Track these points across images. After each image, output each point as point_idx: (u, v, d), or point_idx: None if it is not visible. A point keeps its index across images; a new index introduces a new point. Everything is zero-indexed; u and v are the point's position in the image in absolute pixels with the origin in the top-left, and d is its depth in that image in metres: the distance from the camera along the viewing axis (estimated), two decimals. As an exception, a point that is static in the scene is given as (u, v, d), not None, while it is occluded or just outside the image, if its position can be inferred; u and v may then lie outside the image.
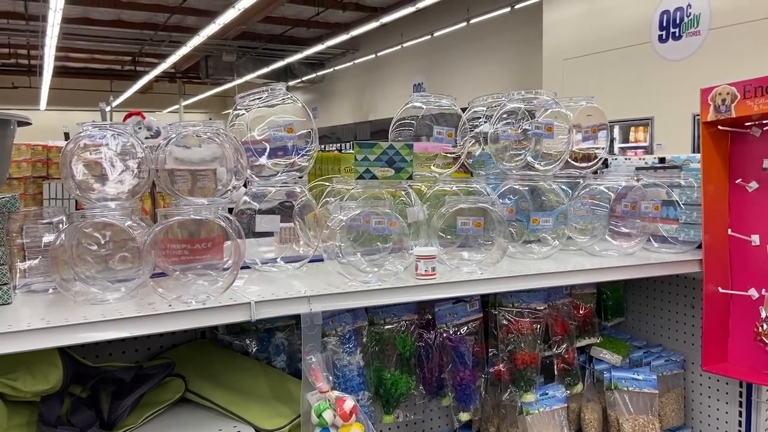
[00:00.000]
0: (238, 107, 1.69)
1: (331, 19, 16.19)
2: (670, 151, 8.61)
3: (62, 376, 1.31)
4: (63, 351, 1.34)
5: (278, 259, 1.70)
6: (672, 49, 9.63)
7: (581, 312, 2.01)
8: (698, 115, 1.93)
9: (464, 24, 13.13)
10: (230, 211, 1.67)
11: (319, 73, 21.15)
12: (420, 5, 12.20)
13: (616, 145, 10.64)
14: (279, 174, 1.65)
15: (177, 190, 1.53)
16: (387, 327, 1.66)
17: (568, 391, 1.91)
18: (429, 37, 14.28)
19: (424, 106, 1.93)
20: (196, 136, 1.48)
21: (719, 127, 1.87)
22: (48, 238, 1.49)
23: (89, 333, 1.17)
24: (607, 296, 2.22)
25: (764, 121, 1.83)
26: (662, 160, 2.34)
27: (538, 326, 1.83)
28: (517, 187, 1.94)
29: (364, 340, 1.62)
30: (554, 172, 1.97)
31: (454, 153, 2.01)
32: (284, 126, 1.63)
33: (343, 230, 1.54)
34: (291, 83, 22.07)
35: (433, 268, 1.55)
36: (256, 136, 1.63)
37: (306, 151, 1.68)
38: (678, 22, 9.53)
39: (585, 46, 10.96)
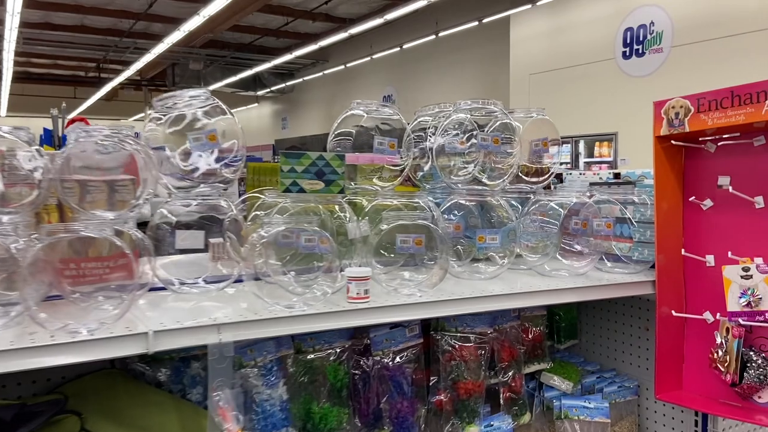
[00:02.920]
0: (156, 111, 1.54)
1: (300, 29, 16.07)
2: (635, 166, 8.66)
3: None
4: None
5: (200, 280, 1.55)
6: (635, 66, 9.75)
7: (531, 335, 1.90)
8: None
9: (433, 36, 13.14)
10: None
11: (288, 83, 20.98)
12: (389, 17, 12.18)
13: (581, 160, 10.72)
14: (199, 186, 1.51)
15: (90, 201, 1.37)
16: (316, 355, 1.51)
17: (515, 422, 1.79)
18: (398, 49, 14.26)
19: (365, 114, 1.80)
20: (99, 142, 1.33)
21: (672, 141, 1.78)
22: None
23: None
24: (561, 317, 2.12)
25: (719, 137, 1.75)
26: (617, 176, 2.27)
27: (484, 352, 1.71)
28: (463, 202, 1.82)
29: (290, 370, 1.47)
30: (503, 186, 1.86)
31: (400, 166, 1.89)
32: (206, 134, 1.49)
33: (265, 247, 1.40)
34: (260, 93, 21.87)
35: (366, 291, 1.42)
36: (172, 145, 1.48)
37: (232, 161, 1.54)
38: (641, 39, 9.66)
39: (551, 61, 11.04)
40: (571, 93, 10.61)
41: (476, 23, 12.24)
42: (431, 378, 1.70)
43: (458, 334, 1.70)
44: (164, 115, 1.53)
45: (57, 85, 22.82)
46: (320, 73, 18.40)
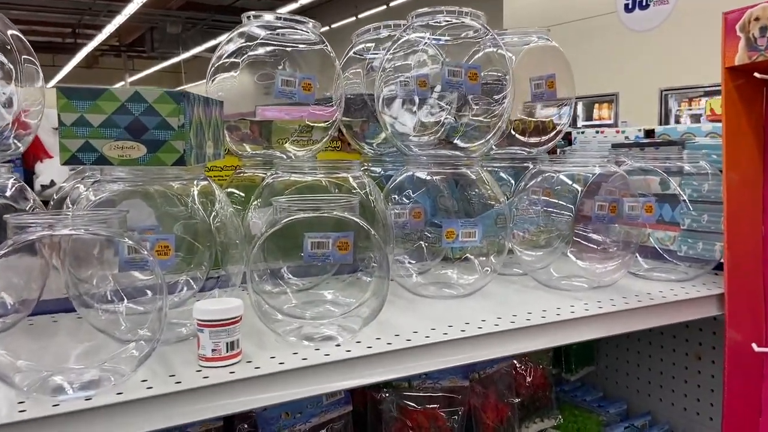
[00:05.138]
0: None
1: (281, -11, 15.13)
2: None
3: None
4: None
5: None
6: (639, 20, 8.99)
7: (530, 378, 1.27)
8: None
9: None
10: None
11: (272, 47, 20.00)
12: (373, -29, 11.30)
13: (579, 123, 10.05)
14: None
15: None
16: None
17: None
18: (385, 7, 13.38)
19: (262, 33, 1.14)
20: None
21: (756, 74, 1.12)
22: None
23: None
24: (571, 338, 1.49)
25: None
26: (649, 133, 1.61)
27: (457, 417, 1.08)
28: (423, 176, 1.17)
29: None
30: (486, 150, 1.21)
31: (329, 121, 1.24)
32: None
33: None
34: (243, 57, 20.80)
35: (233, 344, 0.78)
36: None
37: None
38: (646, -11, 8.90)
39: (547, 17, 10.23)
40: (569, 51, 9.66)
41: (468, -23, 11.38)
42: (370, 462, 1.08)
43: (413, 393, 1.07)
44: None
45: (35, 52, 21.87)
46: (304, 36, 17.48)
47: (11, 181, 0.97)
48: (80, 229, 0.69)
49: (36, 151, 1.85)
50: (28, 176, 1.74)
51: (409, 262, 1.22)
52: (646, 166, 1.31)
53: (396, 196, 1.17)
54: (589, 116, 10.06)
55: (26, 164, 1.80)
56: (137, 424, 0.67)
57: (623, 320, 1.04)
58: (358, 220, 0.89)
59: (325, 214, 0.88)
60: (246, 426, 0.99)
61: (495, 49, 1.21)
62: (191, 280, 0.99)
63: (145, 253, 0.75)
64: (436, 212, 1.27)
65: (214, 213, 0.94)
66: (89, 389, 0.69)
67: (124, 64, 22.71)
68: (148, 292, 0.79)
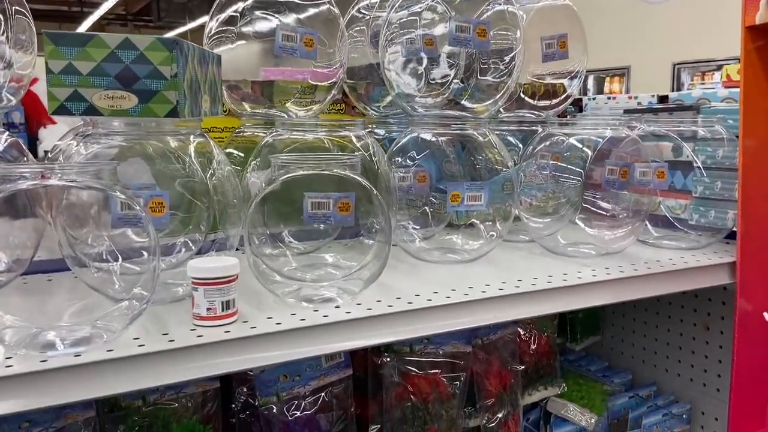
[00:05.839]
0: None
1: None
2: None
3: None
4: None
5: None
6: (653, -9, 8.81)
7: (534, 347, 1.25)
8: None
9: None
10: None
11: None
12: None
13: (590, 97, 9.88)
14: None
15: None
16: (151, 410, 0.87)
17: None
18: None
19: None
20: None
21: (778, 34, 1.08)
22: None
23: None
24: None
25: None
26: (663, 99, 1.56)
27: (458, 383, 1.06)
28: (428, 137, 1.14)
29: None
30: (493, 112, 1.17)
31: (331, 80, 1.20)
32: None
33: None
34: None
35: (229, 303, 0.76)
36: None
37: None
38: (661, -43, 8.67)
39: (558, -14, 10.02)
40: (580, 23, 9.66)
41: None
42: (370, 428, 1.06)
43: (415, 358, 1.05)
44: None
45: (41, 21, 21.71)
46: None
47: (4, 136, 0.95)
48: (70, 180, 0.66)
49: (39, 117, 1.83)
50: (32, 142, 1.71)
51: (413, 228, 1.20)
52: (658, 131, 1.27)
53: (400, 159, 1.13)
54: (599, 90, 9.90)
55: (30, 130, 1.78)
56: (128, 381, 0.65)
57: (632, 287, 1.01)
58: (359, 179, 0.86)
59: (326, 172, 0.85)
60: (244, 389, 0.97)
61: (506, 6, 1.16)
62: (189, 242, 0.97)
63: (138, 208, 0.73)
64: (441, 178, 1.24)
65: (211, 171, 0.91)
66: (80, 346, 0.67)
67: (130, 33, 22.54)
68: (144, 253, 0.77)
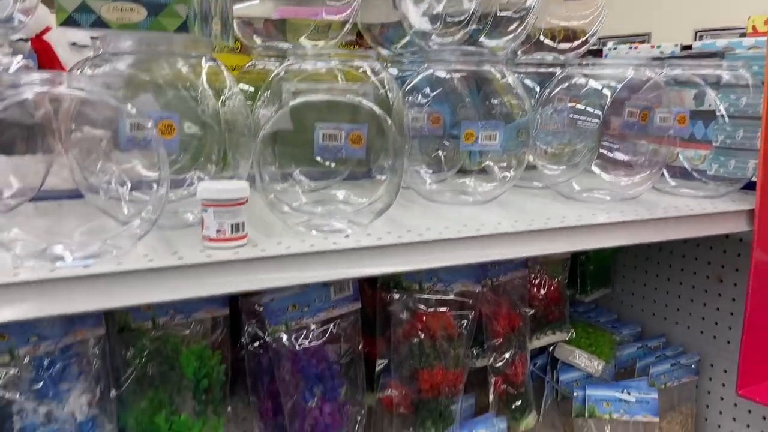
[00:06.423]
0: None
1: None
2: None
3: None
4: None
5: None
6: (677, -48, 8.55)
7: (544, 291, 1.24)
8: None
9: None
10: None
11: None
12: None
13: (608, 64, 9.71)
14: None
15: None
16: (159, 334, 0.87)
17: (514, 428, 1.17)
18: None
19: None
20: None
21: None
22: None
23: None
24: (587, 258, 1.45)
25: None
26: (686, 48, 1.52)
27: (466, 322, 1.06)
28: (443, 75, 1.11)
29: (96, 363, 0.83)
30: (509, 52, 1.14)
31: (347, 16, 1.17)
32: None
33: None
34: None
35: (238, 226, 0.75)
36: None
37: None
38: None
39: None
40: (601, -14, 9.42)
41: None
42: (378, 363, 1.06)
43: (424, 295, 1.04)
44: None
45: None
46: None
47: (17, 58, 0.93)
48: (80, 89, 0.65)
49: (52, 66, 1.81)
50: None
51: (426, 171, 1.18)
52: (681, 76, 1.23)
53: (413, 98, 1.11)
54: (618, 57, 9.73)
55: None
56: (137, 294, 0.65)
57: (648, 229, 0.99)
58: (372, 106, 0.84)
59: (338, 98, 0.83)
60: (254, 321, 0.98)
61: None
62: (202, 175, 0.96)
63: (149, 126, 0.71)
64: (455, 122, 1.21)
65: (223, 98, 0.89)
66: (89, 259, 0.66)
67: None
68: (154, 185, 0.76)
